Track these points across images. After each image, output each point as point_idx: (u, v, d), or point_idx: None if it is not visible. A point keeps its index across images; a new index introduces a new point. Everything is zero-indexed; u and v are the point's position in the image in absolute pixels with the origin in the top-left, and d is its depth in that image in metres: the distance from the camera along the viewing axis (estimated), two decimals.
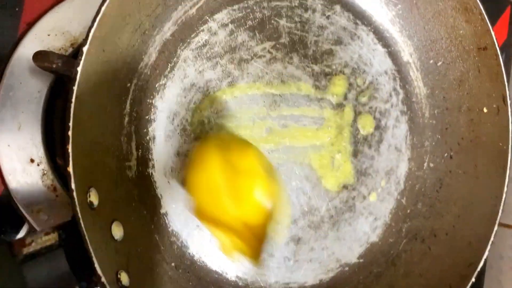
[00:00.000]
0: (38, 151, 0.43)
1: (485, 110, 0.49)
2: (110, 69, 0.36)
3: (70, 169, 0.31)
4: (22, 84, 0.42)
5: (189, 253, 0.43)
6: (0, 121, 0.42)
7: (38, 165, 0.43)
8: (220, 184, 0.35)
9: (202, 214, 0.36)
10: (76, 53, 0.44)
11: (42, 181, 0.43)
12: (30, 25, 0.43)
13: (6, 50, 0.43)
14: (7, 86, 0.42)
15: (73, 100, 0.31)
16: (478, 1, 0.46)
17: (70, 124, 0.31)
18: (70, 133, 0.31)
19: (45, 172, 0.43)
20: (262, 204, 0.35)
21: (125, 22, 0.36)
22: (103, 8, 0.32)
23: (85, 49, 0.31)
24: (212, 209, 0.35)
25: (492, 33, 0.47)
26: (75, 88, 0.31)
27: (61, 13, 0.44)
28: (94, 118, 0.34)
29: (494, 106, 0.48)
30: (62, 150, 0.45)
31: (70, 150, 0.31)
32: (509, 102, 0.47)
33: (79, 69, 0.31)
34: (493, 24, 0.70)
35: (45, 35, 0.43)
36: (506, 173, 0.47)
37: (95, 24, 0.31)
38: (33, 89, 0.43)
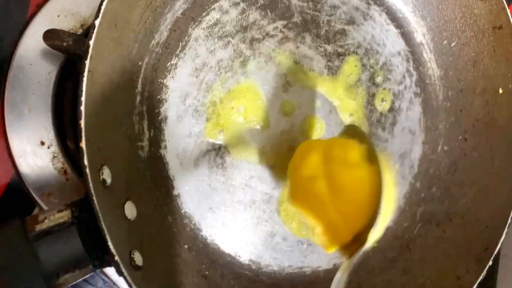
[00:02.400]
0: (48, 133, 0.43)
1: (500, 91, 0.48)
2: (122, 45, 0.35)
3: (83, 144, 0.30)
4: (32, 66, 0.42)
5: (202, 236, 0.42)
6: (10, 103, 0.41)
7: (48, 147, 0.43)
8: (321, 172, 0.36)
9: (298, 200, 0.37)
10: (86, 34, 0.43)
11: (53, 164, 0.43)
12: (40, 6, 0.43)
13: (15, 32, 0.42)
14: (17, 68, 0.41)
15: (85, 74, 0.30)
16: None
17: (83, 99, 0.30)
18: (82, 108, 0.30)
19: (56, 155, 0.43)
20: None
21: None
22: None
23: (97, 22, 0.31)
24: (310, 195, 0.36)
25: (508, 11, 0.46)
26: (87, 62, 0.30)
27: None
28: (106, 95, 0.34)
29: (510, 86, 0.47)
30: (72, 133, 0.44)
31: (83, 125, 0.30)
32: None
33: (91, 42, 0.30)
34: (508, 2, 0.69)
35: (55, 16, 0.43)
36: None
37: None
38: (43, 70, 0.42)
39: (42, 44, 0.41)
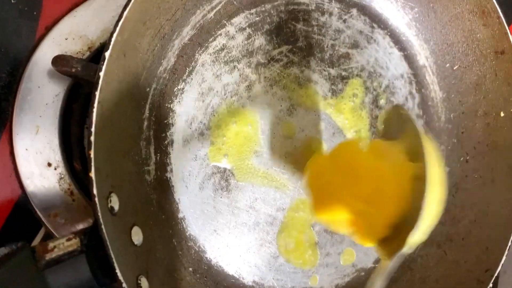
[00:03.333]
0: (55, 155, 0.43)
1: (502, 114, 0.49)
2: (131, 74, 0.36)
3: (92, 174, 0.31)
4: (40, 88, 0.42)
5: (206, 258, 0.42)
6: (18, 125, 0.42)
7: (55, 169, 0.43)
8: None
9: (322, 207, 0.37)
10: (93, 56, 0.44)
11: (59, 185, 0.43)
12: (48, 28, 0.43)
13: (24, 54, 0.42)
14: (25, 90, 0.42)
15: (95, 105, 0.31)
16: (496, 5, 0.45)
17: (93, 129, 0.31)
18: (92, 138, 0.31)
19: (62, 176, 0.43)
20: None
21: (146, 27, 0.36)
22: (125, 13, 0.32)
23: (107, 54, 0.31)
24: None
25: (510, 36, 0.46)
26: (97, 93, 0.31)
27: (79, 17, 0.44)
28: (114, 123, 0.34)
29: (511, 110, 0.48)
30: (79, 154, 0.45)
31: (92, 155, 0.31)
32: None
33: (101, 74, 0.31)
34: (509, 23, 0.70)
35: (63, 38, 0.43)
36: None
37: (117, 29, 0.31)
38: (50, 93, 0.43)
39: (50, 67, 0.42)
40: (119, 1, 0.45)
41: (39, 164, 0.43)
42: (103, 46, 0.43)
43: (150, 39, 0.37)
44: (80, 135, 0.45)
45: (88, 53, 0.44)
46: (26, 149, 0.42)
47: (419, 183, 0.32)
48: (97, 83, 0.31)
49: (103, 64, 0.31)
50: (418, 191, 0.31)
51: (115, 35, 0.31)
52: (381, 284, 0.34)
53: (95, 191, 0.31)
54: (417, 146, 0.33)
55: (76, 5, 0.44)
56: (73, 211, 0.44)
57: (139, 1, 0.32)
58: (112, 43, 0.31)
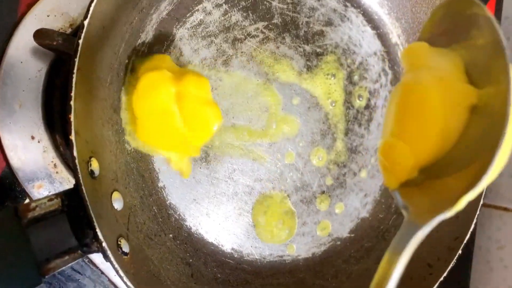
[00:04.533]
0: (38, 128, 0.44)
1: None
2: (110, 45, 0.37)
3: (72, 137, 0.32)
4: (23, 64, 0.44)
5: (186, 226, 0.44)
6: (1, 100, 0.43)
7: (38, 142, 0.45)
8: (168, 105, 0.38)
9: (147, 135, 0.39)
10: (75, 33, 0.45)
11: (43, 158, 0.45)
12: (30, 5, 0.44)
13: (6, 31, 0.44)
14: (8, 65, 0.43)
15: (75, 71, 0.32)
16: None
17: (72, 94, 0.32)
18: (72, 103, 0.32)
19: (46, 149, 0.45)
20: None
21: (124, 0, 0.37)
22: None
23: (86, 22, 0.33)
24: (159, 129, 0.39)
25: None
26: (76, 60, 0.32)
27: None
28: (93, 91, 0.36)
29: None
30: (62, 128, 0.46)
31: (72, 119, 0.32)
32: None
33: (80, 41, 0.32)
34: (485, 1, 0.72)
35: (45, 16, 0.44)
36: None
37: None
38: (33, 68, 0.44)
39: (33, 43, 0.43)
40: None
41: (22, 137, 0.44)
42: None
43: (128, 12, 0.38)
44: (62, 109, 0.47)
45: (69, 30, 0.45)
46: (10, 123, 0.44)
47: (481, 114, 0.24)
48: (77, 50, 0.32)
49: (82, 32, 0.32)
50: (478, 125, 0.24)
51: (93, 4, 0.33)
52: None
53: (75, 154, 0.32)
54: (488, 63, 0.24)
55: None
56: (56, 183, 0.45)
57: None
58: (90, 12, 0.33)
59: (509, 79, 0.22)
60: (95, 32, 0.34)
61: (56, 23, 0.45)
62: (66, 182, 0.45)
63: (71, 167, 0.45)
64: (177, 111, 0.38)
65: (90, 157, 0.35)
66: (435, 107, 0.25)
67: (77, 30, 0.45)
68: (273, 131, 0.47)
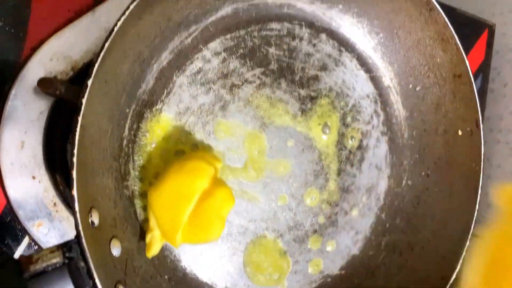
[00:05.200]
0: (39, 168, 0.46)
1: (459, 132, 0.53)
2: (111, 97, 0.39)
3: (74, 192, 0.33)
4: (26, 106, 0.45)
5: (182, 266, 0.45)
6: (4, 140, 0.44)
7: (39, 182, 0.46)
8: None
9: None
10: (76, 76, 0.47)
11: (43, 197, 0.46)
12: (34, 49, 0.46)
13: (10, 73, 0.45)
14: (11, 107, 0.44)
15: (78, 129, 0.33)
16: (454, 33, 0.49)
17: (75, 151, 0.33)
18: (75, 159, 0.33)
19: (46, 188, 0.46)
20: None
21: (126, 55, 0.39)
22: (106, 44, 0.34)
23: (89, 82, 0.34)
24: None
25: (467, 62, 0.50)
26: (79, 118, 0.33)
27: (63, 38, 0.46)
28: (96, 144, 0.37)
29: (468, 129, 0.52)
30: (62, 168, 0.47)
31: (74, 175, 0.33)
32: (481, 126, 0.51)
33: (83, 100, 0.34)
34: (471, 45, 0.75)
35: (48, 59, 0.46)
36: (478, 192, 0.51)
37: (99, 59, 0.34)
38: (35, 110, 0.45)
39: (36, 86, 0.44)
40: (101, 24, 0.47)
41: (24, 177, 0.45)
42: (87, 66, 0.47)
43: (130, 65, 0.40)
44: (63, 149, 0.48)
45: (71, 73, 0.46)
46: (12, 163, 0.45)
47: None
48: (80, 108, 0.34)
49: (85, 91, 0.34)
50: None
51: (96, 65, 0.34)
52: None
53: (77, 208, 0.33)
54: None
55: (61, 27, 0.47)
56: (56, 221, 0.47)
57: (120, 33, 0.35)
58: (94, 72, 0.34)
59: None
60: (98, 88, 0.35)
61: (59, 67, 0.46)
62: (66, 220, 0.47)
63: (70, 205, 0.46)
64: (194, 203, 0.39)
65: (91, 208, 0.36)
66: None
67: (79, 72, 0.47)
68: (267, 173, 0.49)
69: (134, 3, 0.35)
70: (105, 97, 0.37)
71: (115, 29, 0.35)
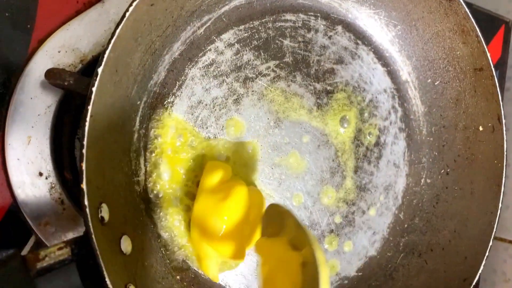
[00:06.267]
0: (46, 164, 0.44)
1: (480, 128, 0.51)
2: (122, 88, 0.37)
3: (84, 185, 0.32)
4: (32, 100, 0.43)
5: (194, 267, 0.44)
6: (11, 135, 0.43)
7: (46, 178, 0.44)
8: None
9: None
10: (85, 69, 0.45)
11: (50, 194, 0.44)
12: (41, 42, 0.44)
13: (17, 66, 0.43)
14: (18, 101, 0.43)
15: (88, 119, 0.32)
16: (475, 24, 0.47)
17: (85, 142, 0.32)
18: (84, 151, 0.32)
19: (53, 185, 0.44)
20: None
21: (137, 43, 0.37)
22: (117, 31, 0.33)
23: (100, 69, 0.32)
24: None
25: (488, 55, 0.48)
26: (89, 108, 0.32)
27: (71, 30, 0.45)
28: (106, 136, 0.35)
29: (489, 125, 0.50)
30: (70, 164, 0.46)
31: (84, 167, 0.32)
32: (504, 121, 0.49)
33: (94, 89, 0.32)
34: (487, 42, 0.73)
35: (56, 51, 0.44)
36: (501, 190, 0.49)
37: (110, 46, 0.33)
38: (43, 104, 0.44)
39: (43, 79, 0.43)
40: (111, 16, 0.46)
41: (30, 174, 0.44)
42: (95, 59, 0.45)
43: (141, 55, 0.38)
44: (71, 145, 0.46)
45: (80, 66, 0.45)
46: (18, 159, 0.43)
47: (307, 267, 0.34)
48: (90, 98, 0.32)
49: (95, 80, 0.32)
50: (307, 274, 0.34)
51: (107, 52, 0.33)
52: None
53: (86, 202, 0.32)
54: (299, 236, 0.36)
55: (69, 19, 0.45)
56: (63, 220, 0.45)
57: (131, 19, 0.34)
58: (104, 59, 0.32)
59: (311, 240, 0.33)
60: (108, 78, 0.34)
61: (67, 59, 0.44)
62: (73, 219, 0.45)
63: (78, 205, 0.45)
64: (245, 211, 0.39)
65: (101, 203, 0.34)
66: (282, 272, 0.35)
67: (87, 66, 0.45)
68: (281, 170, 0.47)
69: None
70: (116, 88, 0.36)
71: (127, 14, 0.33)
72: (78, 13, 0.46)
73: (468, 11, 0.47)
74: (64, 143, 0.45)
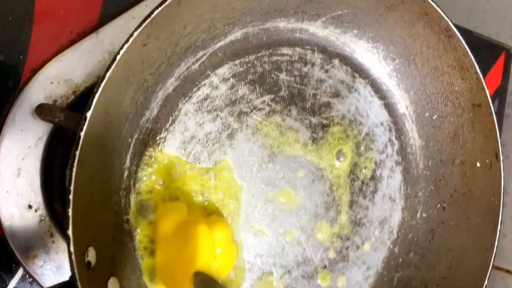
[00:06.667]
0: (36, 197, 0.43)
1: (478, 164, 0.50)
2: (113, 128, 0.36)
3: (70, 232, 0.31)
4: (23, 131, 0.43)
5: None
6: (0, 168, 0.42)
7: (36, 211, 0.43)
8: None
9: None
10: (78, 100, 0.44)
11: (40, 227, 0.44)
12: (34, 72, 0.44)
13: (9, 97, 0.43)
14: (8, 134, 0.42)
15: (75, 164, 0.31)
16: (474, 61, 0.47)
17: (72, 188, 0.31)
18: (71, 196, 0.31)
19: (43, 218, 0.44)
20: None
21: (129, 83, 0.36)
22: (108, 74, 0.32)
23: (88, 114, 0.32)
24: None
25: (487, 91, 0.48)
26: (77, 153, 0.31)
27: (65, 61, 0.44)
28: (95, 178, 0.35)
29: (487, 161, 0.49)
30: (60, 196, 0.45)
31: (70, 213, 0.31)
32: (501, 158, 0.49)
33: (82, 134, 0.31)
34: (488, 69, 0.72)
35: (48, 82, 0.43)
36: (498, 228, 0.48)
37: (100, 89, 0.32)
38: (34, 136, 0.43)
39: (34, 110, 0.42)
40: (105, 46, 0.45)
41: (19, 206, 0.43)
42: (88, 90, 0.45)
43: (133, 93, 0.38)
44: (62, 176, 0.46)
45: (72, 97, 0.44)
46: (7, 191, 0.42)
47: None
48: (78, 143, 0.31)
49: (84, 124, 0.32)
50: None
51: (97, 95, 0.32)
52: None
53: (72, 249, 0.31)
54: None
55: (63, 49, 0.45)
56: (52, 253, 0.44)
57: (123, 61, 0.33)
58: (94, 103, 0.32)
59: None
60: (98, 119, 0.33)
61: (59, 91, 0.44)
62: (62, 251, 0.44)
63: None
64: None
65: (88, 247, 0.34)
66: None
67: (80, 96, 0.45)
68: (275, 205, 0.46)
69: (138, 30, 0.33)
70: (106, 129, 0.35)
71: (118, 57, 0.33)
72: (72, 42, 0.45)
73: (467, 48, 0.46)
74: (55, 174, 0.45)
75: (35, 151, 0.43)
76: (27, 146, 0.43)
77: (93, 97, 0.32)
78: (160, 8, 0.34)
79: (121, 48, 0.33)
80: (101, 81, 0.32)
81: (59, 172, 0.45)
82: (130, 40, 0.33)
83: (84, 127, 0.31)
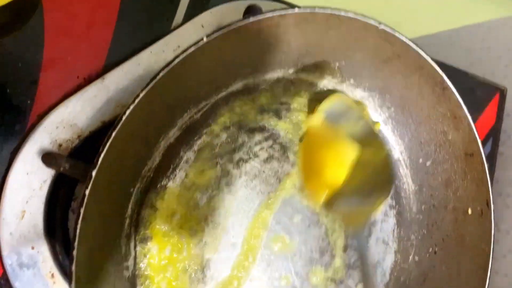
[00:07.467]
0: (39, 239, 0.45)
1: (469, 211, 0.51)
2: (116, 183, 0.38)
3: (73, 286, 0.32)
4: (29, 175, 0.44)
5: None
6: (5, 211, 0.43)
7: (38, 252, 0.45)
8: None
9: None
10: (82, 145, 0.46)
11: (41, 268, 0.45)
12: (40, 117, 0.45)
13: (15, 141, 0.44)
14: (14, 177, 0.43)
15: (80, 222, 0.32)
16: (467, 112, 0.48)
17: (76, 244, 0.32)
18: (75, 253, 0.32)
19: (44, 259, 0.45)
20: None
21: (133, 137, 0.38)
22: (114, 133, 0.34)
23: (94, 173, 0.33)
24: None
25: (479, 142, 0.49)
26: (82, 210, 0.32)
27: (70, 106, 0.45)
28: (98, 230, 0.36)
29: (478, 208, 0.51)
30: (62, 237, 0.46)
31: (73, 269, 0.32)
32: (492, 206, 0.50)
33: (87, 192, 0.33)
34: (481, 109, 0.74)
35: (54, 127, 0.45)
36: (487, 275, 0.49)
37: (105, 149, 0.33)
38: (38, 179, 0.44)
39: (40, 154, 0.44)
40: (110, 92, 0.47)
41: (22, 248, 0.44)
42: (93, 135, 0.46)
43: (136, 146, 0.39)
44: (64, 217, 0.47)
45: (77, 141, 0.45)
46: (11, 233, 0.44)
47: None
48: (83, 200, 0.33)
49: (89, 183, 0.33)
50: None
51: (102, 154, 0.33)
52: None
53: None
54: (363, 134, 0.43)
55: (70, 94, 0.46)
56: None
57: (128, 119, 0.34)
58: (99, 162, 0.33)
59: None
60: (103, 175, 0.34)
61: (64, 135, 0.45)
62: None
63: (68, 279, 0.45)
64: None
65: None
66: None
67: (84, 141, 0.46)
68: (271, 250, 0.48)
69: (144, 92, 0.34)
70: (110, 184, 0.36)
71: (123, 118, 0.34)
72: (78, 87, 0.47)
73: (460, 100, 0.48)
74: (58, 216, 0.46)
75: (39, 193, 0.44)
76: (32, 189, 0.44)
77: (99, 156, 0.33)
78: (165, 70, 0.35)
79: (128, 108, 0.34)
80: (107, 140, 0.34)
81: (61, 213, 0.46)
82: (136, 101, 0.34)
83: (90, 185, 0.33)
